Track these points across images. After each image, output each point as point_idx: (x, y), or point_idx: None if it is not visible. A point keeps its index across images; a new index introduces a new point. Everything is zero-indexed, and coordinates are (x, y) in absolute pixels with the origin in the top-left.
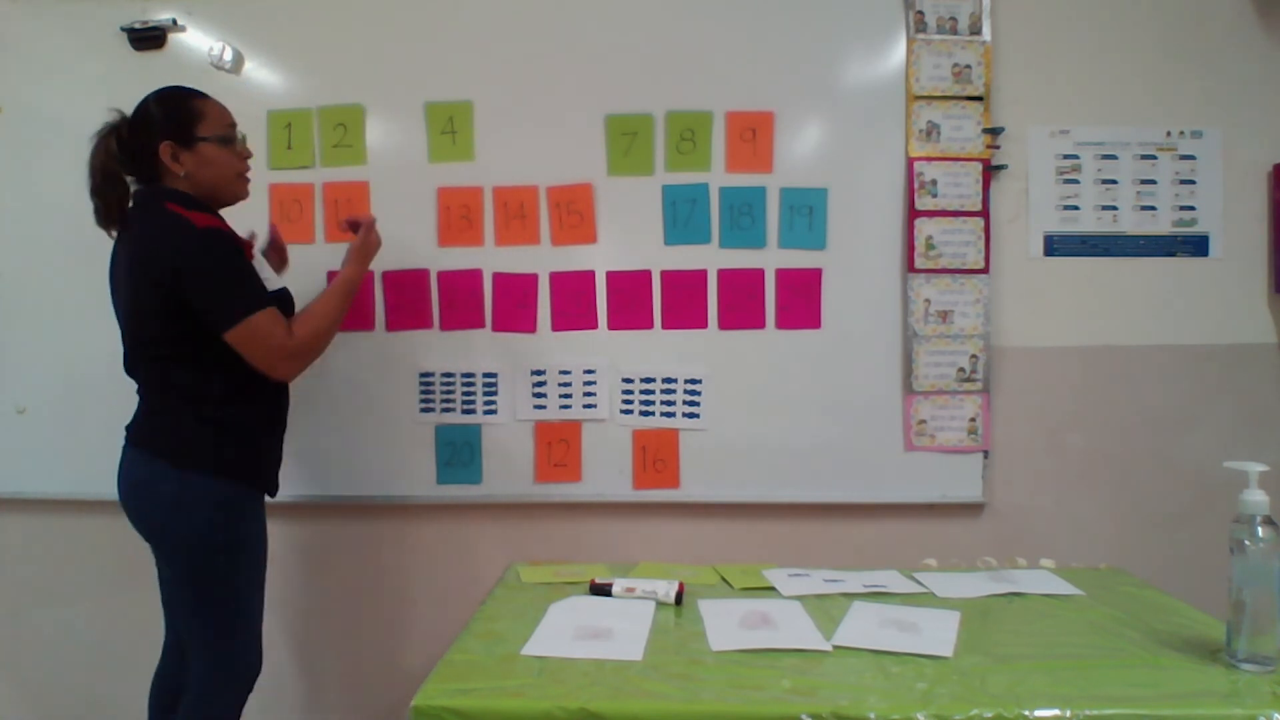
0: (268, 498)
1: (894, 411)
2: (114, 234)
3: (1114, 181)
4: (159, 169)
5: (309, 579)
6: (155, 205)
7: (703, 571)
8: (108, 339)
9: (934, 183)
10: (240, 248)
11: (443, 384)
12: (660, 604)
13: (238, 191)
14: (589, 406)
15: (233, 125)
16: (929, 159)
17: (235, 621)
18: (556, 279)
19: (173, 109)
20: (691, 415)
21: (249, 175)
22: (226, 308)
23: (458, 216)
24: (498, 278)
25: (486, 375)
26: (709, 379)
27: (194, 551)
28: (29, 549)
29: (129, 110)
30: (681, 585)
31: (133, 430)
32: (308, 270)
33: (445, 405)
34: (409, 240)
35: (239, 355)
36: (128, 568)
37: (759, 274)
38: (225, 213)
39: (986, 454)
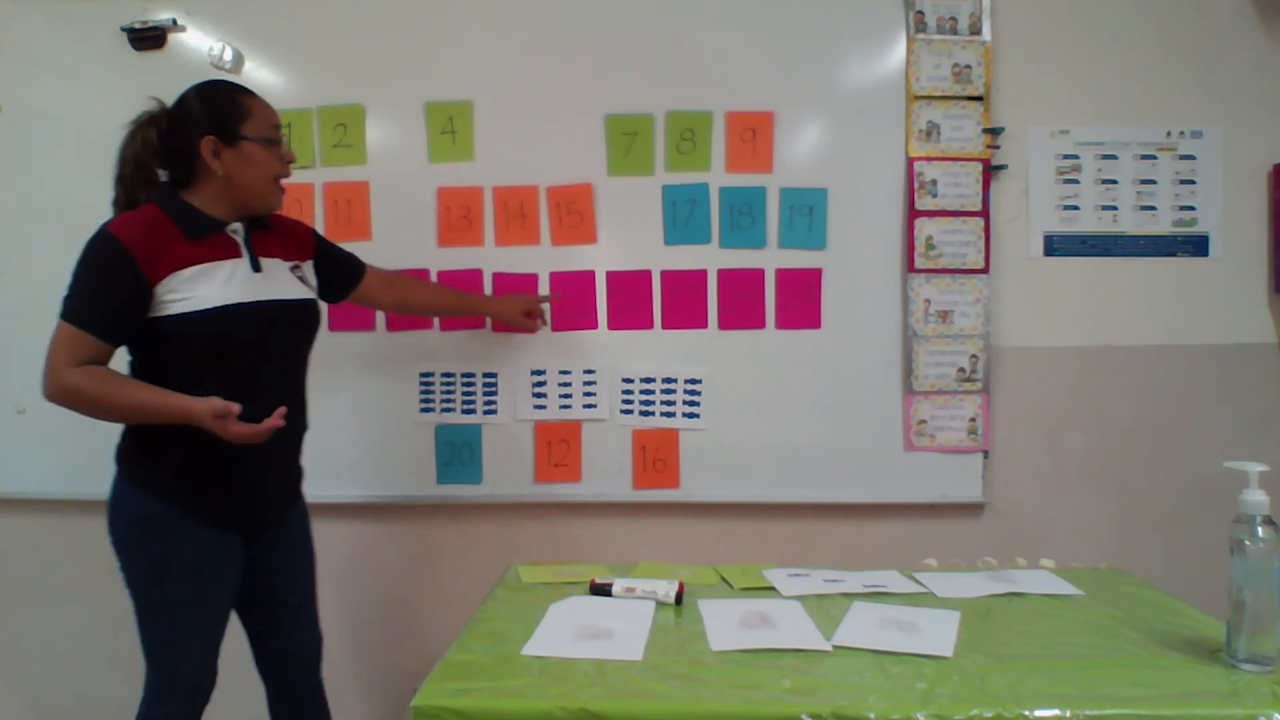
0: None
1: (894, 411)
2: None
3: (1114, 181)
4: (197, 165)
5: None
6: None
7: (703, 571)
8: None
9: (934, 183)
10: (128, 263)
11: (443, 384)
12: (660, 604)
13: (269, 199)
14: (589, 406)
15: (277, 126)
16: (929, 159)
17: (172, 635)
18: (556, 279)
19: (219, 103)
20: (691, 415)
21: (284, 185)
22: (63, 301)
23: (458, 216)
24: (498, 278)
25: (486, 375)
26: (709, 379)
27: (122, 560)
28: (29, 549)
29: (132, 111)
30: (681, 585)
31: None
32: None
33: (445, 405)
34: (409, 240)
35: (175, 369)
36: None
37: (759, 274)
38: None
39: (986, 454)
